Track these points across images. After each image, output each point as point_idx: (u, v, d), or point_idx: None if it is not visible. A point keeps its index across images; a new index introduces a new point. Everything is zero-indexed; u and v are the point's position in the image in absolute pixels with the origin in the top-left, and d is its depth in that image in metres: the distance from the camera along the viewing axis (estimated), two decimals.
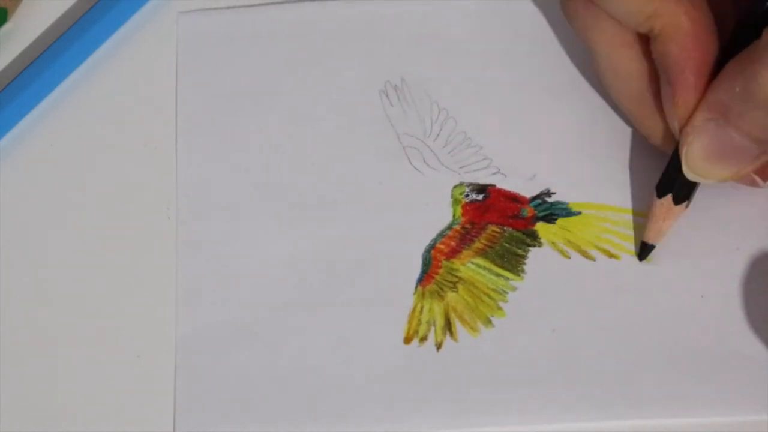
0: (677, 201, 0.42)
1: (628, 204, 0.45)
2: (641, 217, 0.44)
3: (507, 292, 0.44)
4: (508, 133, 0.46)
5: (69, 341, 0.44)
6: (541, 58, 0.47)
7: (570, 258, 0.44)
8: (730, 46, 0.40)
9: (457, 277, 0.44)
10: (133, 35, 0.49)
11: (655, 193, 0.43)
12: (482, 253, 0.44)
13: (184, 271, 0.45)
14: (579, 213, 0.45)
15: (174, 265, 0.45)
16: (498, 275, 0.44)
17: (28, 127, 0.48)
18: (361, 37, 0.48)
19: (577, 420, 0.41)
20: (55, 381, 0.43)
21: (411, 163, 0.46)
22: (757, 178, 0.43)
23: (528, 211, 0.45)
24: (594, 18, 0.43)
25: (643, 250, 0.44)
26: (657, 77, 0.42)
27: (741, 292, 0.43)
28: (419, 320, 0.43)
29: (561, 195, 0.45)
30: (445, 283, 0.44)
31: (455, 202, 0.45)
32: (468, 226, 0.45)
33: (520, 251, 0.44)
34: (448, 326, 0.43)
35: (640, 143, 0.45)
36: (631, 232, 0.44)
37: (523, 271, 0.44)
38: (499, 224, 0.45)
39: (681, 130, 0.41)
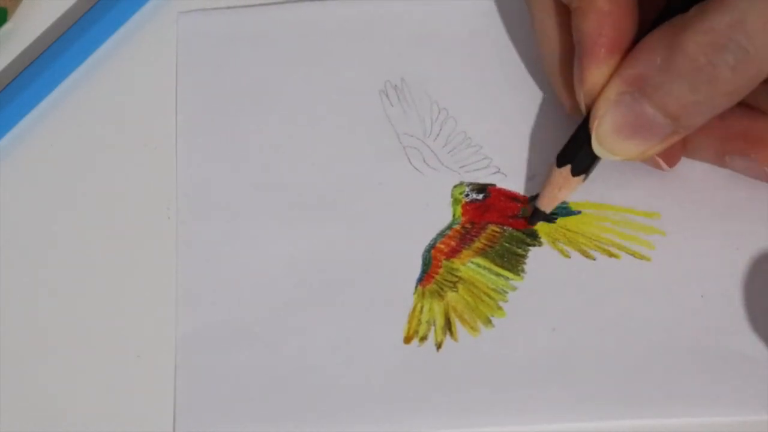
0: (576, 173, 0.42)
1: (628, 204, 0.45)
2: (641, 216, 0.44)
3: (507, 292, 0.44)
4: (508, 133, 0.46)
5: (69, 341, 0.44)
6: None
7: (570, 258, 0.44)
8: (652, 28, 0.40)
9: (457, 276, 0.44)
10: (133, 35, 0.49)
11: (554, 162, 0.43)
12: (482, 252, 0.44)
13: (184, 271, 0.45)
14: (579, 212, 0.45)
15: (174, 265, 0.45)
16: (498, 275, 0.44)
17: (28, 127, 0.48)
18: (361, 37, 0.48)
19: (577, 420, 0.41)
20: (55, 381, 0.43)
21: (411, 163, 0.46)
22: (662, 162, 0.43)
23: (528, 211, 0.45)
24: None
25: (534, 216, 0.44)
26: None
27: (741, 292, 0.43)
28: (419, 320, 0.43)
29: None
30: (445, 282, 0.44)
31: (455, 201, 0.45)
32: (468, 225, 0.45)
33: (520, 251, 0.44)
34: (448, 326, 0.43)
35: None
36: (631, 232, 0.44)
37: (523, 270, 0.44)
38: (499, 224, 0.45)
39: (588, 105, 0.41)
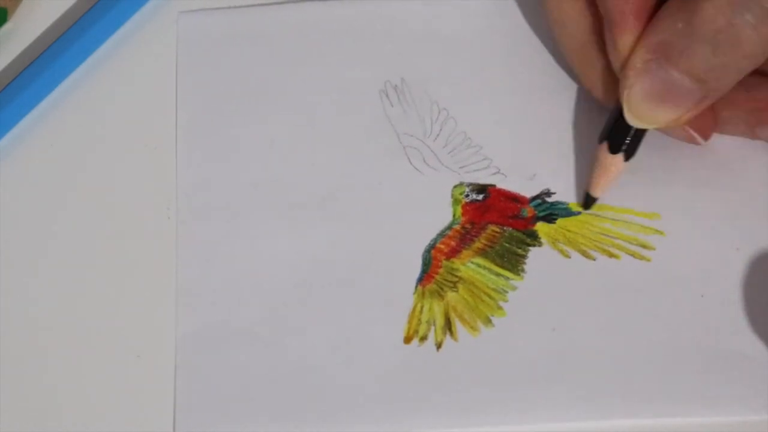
0: (627, 156, 0.43)
1: (628, 204, 0.45)
2: (641, 217, 0.44)
3: (507, 292, 0.44)
4: (508, 133, 0.46)
5: (69, 341, 0.44)
6: (542, 57, 0.47)
7: (570, 258, 0.44)
8: None
9: (457, 276, 0.44)
10: (133, 35, 0.49)
11: (606, 147, 0.43)
12: (482, 252, 0.44)
13: (184, 271, 0.45)
14: (579, 213, 0.45)
15: (174, 265, 0.45)
16: (498, 275, 0.44)
17: (28, 127, 0.48)
18: (361, 37, 0.48)
19: (577, 420, 0.41)
20: (55, 381, 0.43)
21: (411, 163, 0.46)
22: (696, 135, 0.43)
23: (528, 211, 0.45)
24: None
25: (587, 202, 0.44)
26: (600, 30, 0.43)
27: (741, 292, 0.43)
28: (419, 320, 0.43)
29: (561, 195, 0.45)
30: (445, 282, 0.44)
31: (455, 201, 0.45)
32: (468, 225, 0.45)
33: (520, 251, 0.44)
34: (448, 326, 0.43)
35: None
36: (631, 233, 0.44)
37: (523, 270, 0.44)
38: (499, 224, 0.45)
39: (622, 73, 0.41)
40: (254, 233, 0.45)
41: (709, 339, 0.42)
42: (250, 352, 0.43)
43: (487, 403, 0.42)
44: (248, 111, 0.47)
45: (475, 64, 0.48)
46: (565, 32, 0.44)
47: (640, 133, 0.42)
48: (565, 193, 0.45)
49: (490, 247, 0.44)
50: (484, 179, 0.46)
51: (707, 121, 0.43)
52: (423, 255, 0.44)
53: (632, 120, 0.41)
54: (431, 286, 0.44)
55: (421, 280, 0.44)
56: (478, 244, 0.44)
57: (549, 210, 0.45)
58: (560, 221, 0.45)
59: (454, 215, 0.45)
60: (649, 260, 0.44)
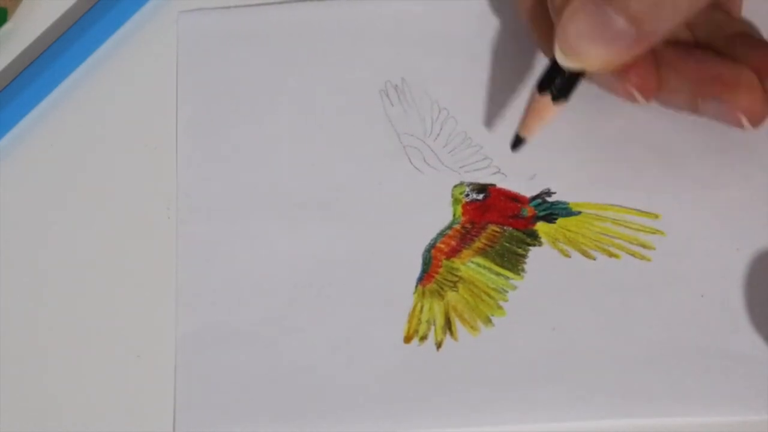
0: (556, 99, 0.42)
1: (628, 204, 0.45)
2: (641, 217, 0.44)
3: (507, 291, 0.44)
4: (508, 133, 0.46)
5: (69, 341, 0.44)
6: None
7: (570, 257, 0.44)
8: None
9: (457, 276, 0.44)
10: (133, 35, 0.49)
11: (535, 90, 0.42)
12: (482, 252, 0.44)
13: (184, 271, 0.45)
14: (579, 213, 0.45)
15: (174, 265, 0.45)
16: (498, 274, 0.44)
17: (28, 127, 0.48)
18: (361, 37, 0.48)
19: (577, 420, 0.41)
20: (55, 381, 0.43)
21: (411, 163, 0.46)
22: (637, 94, 0.43)
23: (528, 211, 0.45)
24: None
25: (517, 143, 0.43)
26: None
27: (741, 292, 0.43)
28: (419, 319, 0.43)
29: (561, 195, 0.45)
30: (446, 282, 0.44)
31: (455, 201, 0.45)
32: (468, 225, 0.45)
33: (520, 250, 0.44)
34: (448, 325, 0.43)
35: (640, 143, 0.45)
36: (631, 232, 0.44)
37: (523, 270, 0.44)
38: (500, 224, 0.45)
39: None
40: (254, 233, 0.45)
41: (709, 339, 0.42)
42: (250, 352, 0.43)
43: (487, 403, 0.42)
44: (248, 111, 0.47)
45: (475, 64, 0.48)
46: None
47: (573, 78, 0.42)
48: (565, 193, 0.45)
49: (491, 246, 0.44)
50: (484, 179, 0.46)
51: (650, 81, 0.42)
52: (423, 254, 0.44)
53: (563, 59, 0.40)
54: (431, 285, 0.44)
55: (421, 280, 0.44)
56: (478, 244, 0.44)
57: (549, 210, 0.45)
58: (560, 221, 0.45)
59: (454, 215, 0.45)
60: (649, 260, 0.44)
